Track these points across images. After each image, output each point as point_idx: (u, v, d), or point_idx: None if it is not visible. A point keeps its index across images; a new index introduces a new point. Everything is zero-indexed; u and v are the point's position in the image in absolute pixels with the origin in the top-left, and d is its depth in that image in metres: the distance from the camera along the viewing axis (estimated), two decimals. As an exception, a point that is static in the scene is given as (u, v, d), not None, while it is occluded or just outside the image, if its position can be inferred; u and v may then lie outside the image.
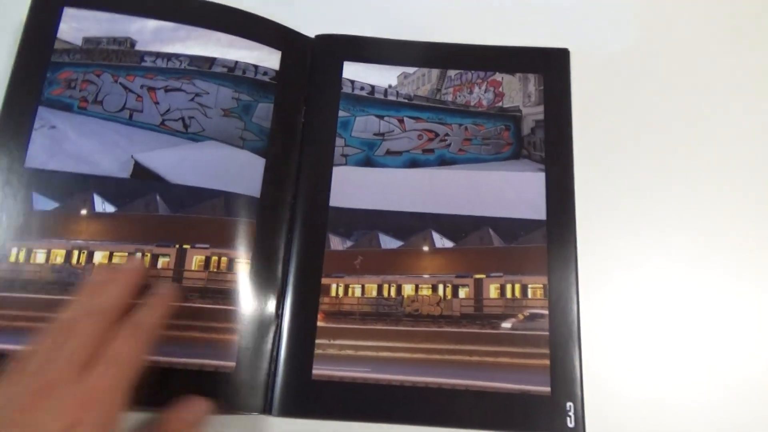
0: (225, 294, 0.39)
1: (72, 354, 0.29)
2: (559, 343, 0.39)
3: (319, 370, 0.38)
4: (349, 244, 0.41)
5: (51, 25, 0.41)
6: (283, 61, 0.44)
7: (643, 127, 0.45)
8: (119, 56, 0.43)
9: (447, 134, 0.44)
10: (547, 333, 0.39)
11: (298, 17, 0.46)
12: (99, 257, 0.38)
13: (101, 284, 0.33)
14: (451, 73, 0.46)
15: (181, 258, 0.39)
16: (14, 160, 0.38)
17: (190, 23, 0.44)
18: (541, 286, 0.40)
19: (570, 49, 0.46)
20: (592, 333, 0.40)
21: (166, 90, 0.43)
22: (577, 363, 0.39)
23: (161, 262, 0.39)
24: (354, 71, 0.45)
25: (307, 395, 0.38)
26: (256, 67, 0.44)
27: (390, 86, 0.45)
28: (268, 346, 0.38)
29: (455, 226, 0.42)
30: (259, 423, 0.38)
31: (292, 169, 0.42)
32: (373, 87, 0.45)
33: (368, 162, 0.43)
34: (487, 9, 0.49)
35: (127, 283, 0.33)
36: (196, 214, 0.40)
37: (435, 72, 0.46)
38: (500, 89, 0.46)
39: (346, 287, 0.40)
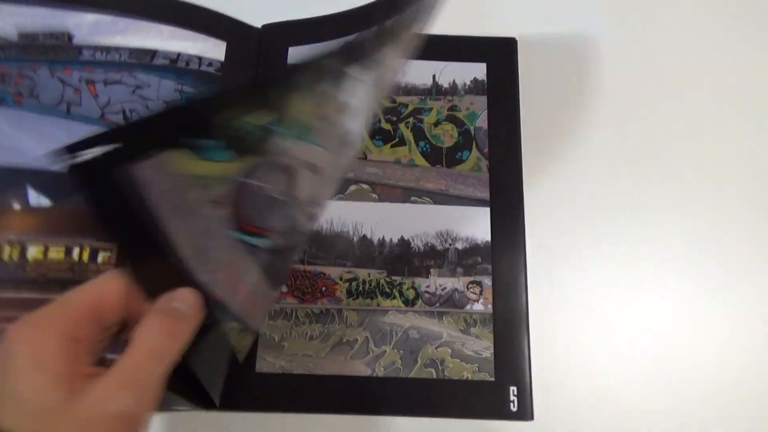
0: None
1: None
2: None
3: None
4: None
5: None
6: (229, 51, 0.44)
7: (594, 117, 0.46)
8: (56, 50, 0.42)
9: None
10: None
11: (245, 9, 0.45)
12: (33, 252, 0.37)
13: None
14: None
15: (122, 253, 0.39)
16: None
17: (130, 15, 0.43)
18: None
19: (518, 39, 0.47)
20: (541, 318, 0.40)
21: (106, 83, 0.42)
22: (524, 348, 0.39)
23: (101, 257, 0.38)
24: (300, 53, 0.45)
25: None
26: (200, 58, 0.43)
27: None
28: None
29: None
30: (204, 417, 0.38)
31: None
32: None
33: None
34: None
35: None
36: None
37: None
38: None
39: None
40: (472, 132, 0.44)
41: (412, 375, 0.38)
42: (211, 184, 0.27)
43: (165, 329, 0.25)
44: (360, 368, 0.38)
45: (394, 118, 0.45)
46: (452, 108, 0.45)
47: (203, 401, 0.34)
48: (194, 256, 0.27)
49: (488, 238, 0.41)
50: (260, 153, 0.28)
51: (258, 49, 0.45)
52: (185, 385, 0.32)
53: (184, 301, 0.26)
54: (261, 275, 0.30)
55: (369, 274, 0.41)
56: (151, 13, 0.43)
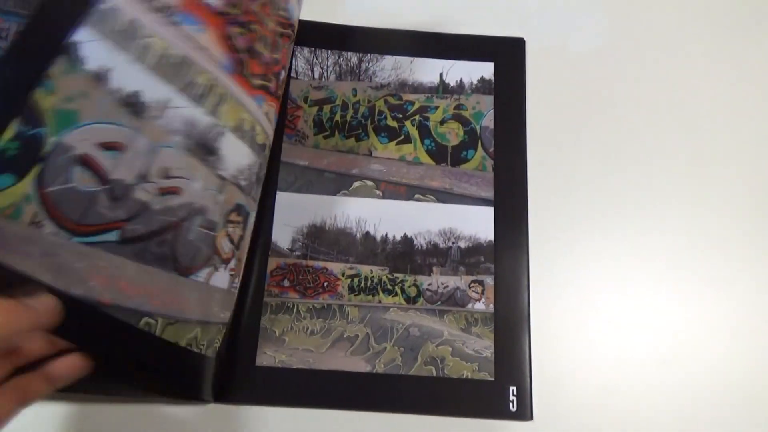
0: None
1: None
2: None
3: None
4: (297, 230, 0.41)
5: None
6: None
7: (599, 118, 0.46)
8: None
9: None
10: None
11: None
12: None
13: None
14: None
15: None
16: None
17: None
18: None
19: (527, 40, 0.46)
20: (543, 319, 0.40)
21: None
22: (525, 349, 0.39)
23: None
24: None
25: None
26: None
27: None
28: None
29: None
30: (204, 410, 0.38)
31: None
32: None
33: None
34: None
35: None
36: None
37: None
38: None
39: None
40: (478, 131, 0.44)
41: (412, 372, 0.38)
42: (17, 209, 0.26)
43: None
44: (360, 364, 0.38)
45: (400, 116, 0.44)
46: (458, 107, 0.45)
47: (187, 394, 0.34)
48: (54, 277, 0.26)
49: (491, 237, 0.41)
50: (37, 160, 0.26)
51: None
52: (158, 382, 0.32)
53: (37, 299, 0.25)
54: (141, 266, 0.29)
55: (371, 271, 0.41)
56: None
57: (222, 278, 0.34)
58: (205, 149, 0.32)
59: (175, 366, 0.32)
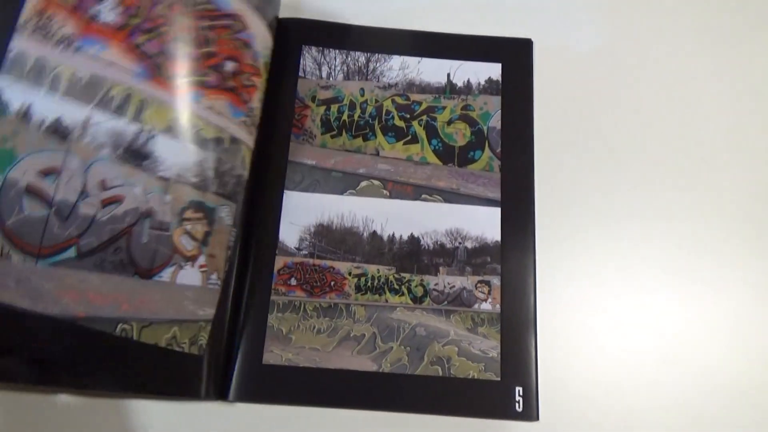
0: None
1: None
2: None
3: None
4: (304, 229, 0.41)
5: None
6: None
7: (607, 120, 0.46)
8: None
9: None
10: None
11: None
12: None
13: None
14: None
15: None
16: None
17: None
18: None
19: (534, 41, 0.46)
20: (549, 319, 0.40)
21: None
22: (531, 349, 0.39)
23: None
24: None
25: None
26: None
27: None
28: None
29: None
30: (212, 409, 0.38)
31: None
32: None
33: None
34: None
35: None
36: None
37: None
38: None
39: (300, 272, 0.40)
40: (485, 132, 0.44)
41: (418, 372, 0.38)
42: None
43: None
44: (366, 363, 0.38)
45: (408, 116, 0.45)
46: (466, 107, 0.45)
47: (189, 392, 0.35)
48: (31, 303, 0.30)
49: (498, 238, 0.41)
50: None
51: (273, 42, 0.45)
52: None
53: None
54: (104, 275, 0.32)
55: (378, 270, 0.41)
56: None
57: (191, 276, 0.35)
58: (137, 155, 0.34)
59: (158, 367, 0.34)
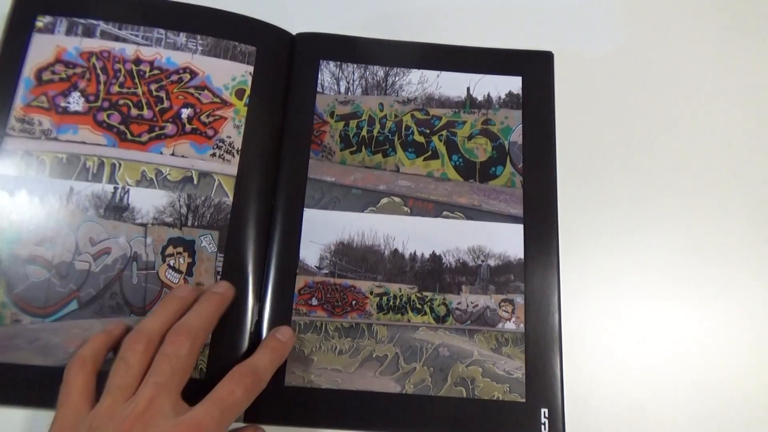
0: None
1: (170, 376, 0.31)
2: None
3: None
4: (325, 247, 0.41)
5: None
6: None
7: (629, 133, 0.45)
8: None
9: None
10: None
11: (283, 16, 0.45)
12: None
13: (186, 302, 0.35)
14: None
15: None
16: None
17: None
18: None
19: (555, 54, 0.46)
20: (575, 339, 0.39)
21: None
22: (557, 370, 0.38)
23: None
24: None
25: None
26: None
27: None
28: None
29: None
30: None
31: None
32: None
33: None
34: (472, 10, 0.48)
35: (220, 307, 0.36)
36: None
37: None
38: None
39: (321, 291, 0.40)
40: (507, 147, 0.44)
41: (442, 393, 0.38)
42: (0, 316, 0.37)
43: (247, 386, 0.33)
44: (390, 385, 0.38)
45: (427, 131, 0.44)
46: (486, 122, 0.44)
47: None
48: (43, 359, 0.36)
49: (521, 255, 0.41)
50: (1, 274, 0.37)
51: (290, 57, 0.45)
52: None
53: (284, 334, 0.36)
54: (104, 320, 0.37)
55: (400, 289, 0.40)
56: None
57: None
58: (116, 210, 0.39)
59: None
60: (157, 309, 0.35)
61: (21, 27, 0.42)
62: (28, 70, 0.41)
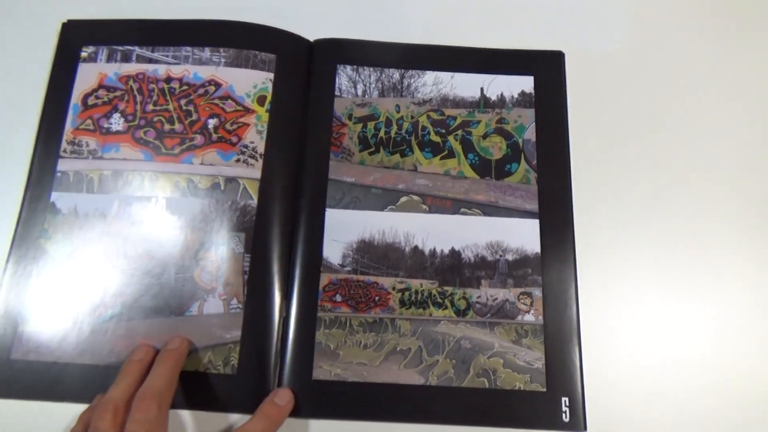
0: (226, 296, 0.40)
1: None
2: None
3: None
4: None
5: None
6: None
7: (641, 128, 0.46)
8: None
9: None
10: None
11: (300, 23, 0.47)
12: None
13: (145, 364, 0.37)
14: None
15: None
16: None
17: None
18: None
19: (566, 53, 0.47)
20: (593, 329, 0.40)
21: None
22: (576, 360, 0.39)
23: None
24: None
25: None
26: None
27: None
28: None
29: (451, 226, 0.43)
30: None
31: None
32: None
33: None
34: (484, 13, 0.50)
35: (178, 363, 0.37)
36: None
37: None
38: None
39: (345, 288, 0.41)
40: (521, 144, 0.45)
41: (464, 384, 0.39)
42: None
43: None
44: (413, 377, 0.39)
45: (443, 131, 0.45)
46: (500, 120, 0.46)
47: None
48: (91, 357, 0.39)
49: (538, 249, 0.42)
50: None
51: (308, 63, 0.46)
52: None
53: (282, 398, 0.37)
54: (147, 320, 0.40)
55: (421, 284, 0.41)
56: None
57: (214, 305, 0.40)
58: (155, 219, 0.42)
59: (202, 388, 0.38)
60: (119, 377, 0.36)
61: (68, 58, 0.46)
62: (76, 96, 0.45)
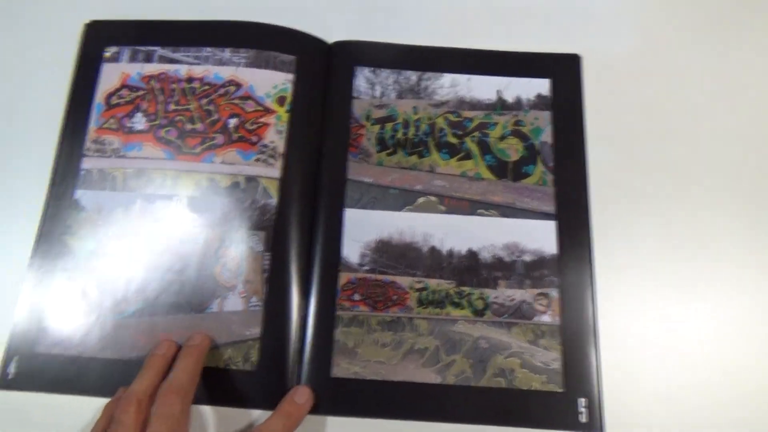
0: (246, 294, 0.41)
1: None
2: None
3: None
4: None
5: None
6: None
7: (659, 131, 0.46)
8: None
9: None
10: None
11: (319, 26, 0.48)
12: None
13: (168, 358, 0.37)
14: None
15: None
16: None
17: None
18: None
19: (583, 55, 0.47)
20: (610, 330, 0.41)
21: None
22: (593, 360, 0.40)
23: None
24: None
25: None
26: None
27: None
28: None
29: (469, 227, 0.43)
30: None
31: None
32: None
33: (383, 165, 0.45)
34: (501, 15, 0.50)
35: (200, 359, 0.37)
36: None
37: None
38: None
39: (363, 287, 0.42)
40: (537, 146, 0.45)
41: (481, 384, 0.39)
42: None
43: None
44: (431, 376, 0.39)
45: (460, 132, 0.46)
46: (517, 123, 0.46)
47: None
48: (113, 352, 0.40)
49: (555, 250, 0.42)
50: None
51: (327, 65, 0.47)
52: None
53: (301, 396, 0.37)
54: (168, 317, 0.40)
55: (438, 284, 0.42)
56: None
57: (234, 303, 0.41)
58: (176, 217, 0.43)
59: (222, 384, 0.39)
60: (142, 370, 0.36)
61: (91, 58, 0.46)
62: (99, 96, 0.46)
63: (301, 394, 0.37)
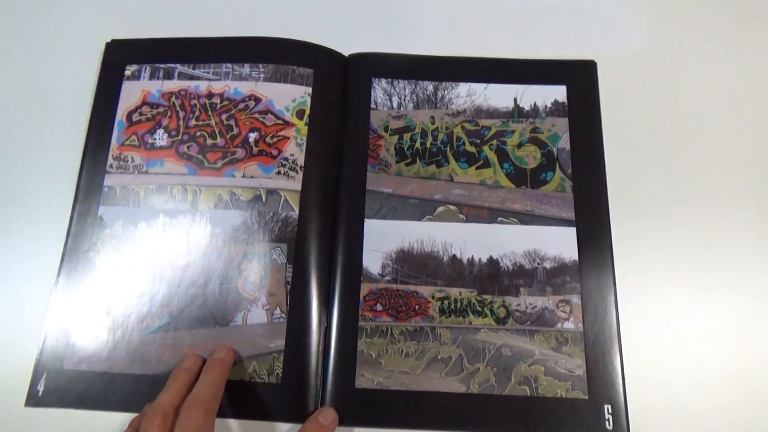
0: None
1: None
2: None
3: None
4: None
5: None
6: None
7: (677, 136, 0.46)
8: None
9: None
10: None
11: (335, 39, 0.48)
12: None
13: (193, 372, 0.38)
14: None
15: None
16: None
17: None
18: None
19: (598, 62, 0.48)
20: (634, 336, 0.40)
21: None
22: (617, 367, 0.39)
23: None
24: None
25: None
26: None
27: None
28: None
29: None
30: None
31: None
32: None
33: (402, 175, 0.45)
34: (516, 23, 0.50)
35: (224, 373, 0.38)
36: (240, 230, 0.43)
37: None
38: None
39: (385, 297, 0.42)
40: (555, 153, 0.45)
41: (506, 392, 0.39)
42: None
43: None
44: (455, 385, 0.39)
45: (478, 141, 0.46)
46: (534, 130, 0.46)
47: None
48: (140, 368, 0.40)
49: (575, 257, 0.42)
50: None
51: (344, 77, 0.47)
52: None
53: (326, 417, 0.37)
54: (192, 331, 0.41)
55: (460, 293, 0.42)
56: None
57: (258, 315, 0.41)
58: (198, 231, 0.43)
59: (247, 397, 0.39)
60: (168, 384, 0.37)
61: (112, 76, 0.47)
62: (121, 113, 0.46)
63: (327, 415, 0.38)
